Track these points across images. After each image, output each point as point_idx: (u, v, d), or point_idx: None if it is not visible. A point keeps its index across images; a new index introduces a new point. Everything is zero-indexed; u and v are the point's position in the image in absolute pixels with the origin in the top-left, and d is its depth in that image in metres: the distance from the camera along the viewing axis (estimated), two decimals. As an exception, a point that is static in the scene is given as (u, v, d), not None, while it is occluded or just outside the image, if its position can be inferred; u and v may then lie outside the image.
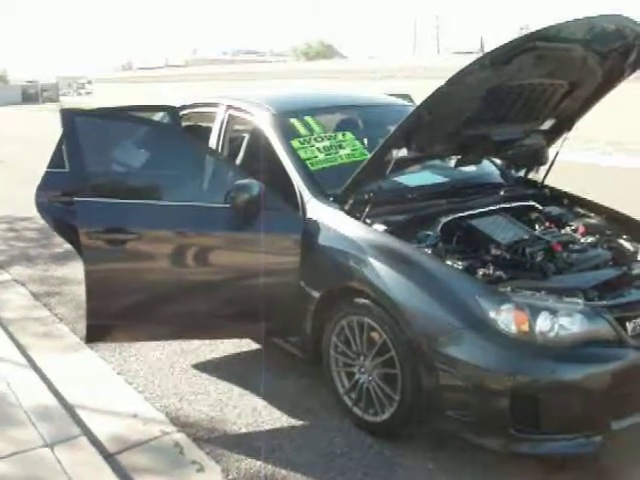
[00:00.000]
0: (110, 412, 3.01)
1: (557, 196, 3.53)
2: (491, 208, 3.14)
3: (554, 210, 3.33)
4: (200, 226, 2.96)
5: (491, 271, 2.56)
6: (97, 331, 3.08)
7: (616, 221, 3.28)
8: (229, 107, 3.66)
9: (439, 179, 3.43)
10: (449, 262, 2.61)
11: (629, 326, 2.44)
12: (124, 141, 3.16)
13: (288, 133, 3.31)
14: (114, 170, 3.21)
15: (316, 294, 2.87)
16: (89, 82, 47.46)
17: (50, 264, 5.32)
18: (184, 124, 4.07)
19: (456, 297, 2.43)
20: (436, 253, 2.67)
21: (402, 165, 2.97)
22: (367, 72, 19.38)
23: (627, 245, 3.02)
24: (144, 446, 2.72)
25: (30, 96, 38.75)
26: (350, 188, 2.88)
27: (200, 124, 4.00)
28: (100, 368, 3.48)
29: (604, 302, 2.43)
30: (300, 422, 2.90)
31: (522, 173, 3.64)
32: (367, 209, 2.82)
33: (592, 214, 3.35)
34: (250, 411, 3.00)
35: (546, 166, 3.52)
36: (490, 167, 3.73)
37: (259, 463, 2.60)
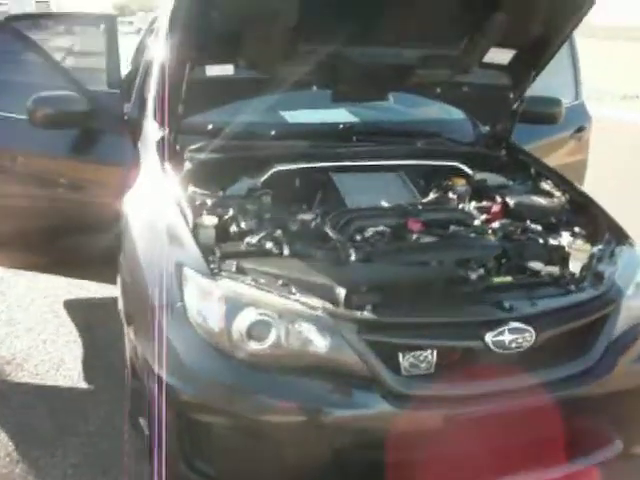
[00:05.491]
0: None
1: (523, 163, 2.44)
2: (385, 163, 2.26)
3: (491, 179, 2.29)
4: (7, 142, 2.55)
5: (256, 241, 1.74)
6: None
7: (583, 210, 2.14)
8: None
9: (345, 119, 2.54)
10: (206, 223, 1.78)
11: (404, 361, 1.50)
12: None
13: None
14: None
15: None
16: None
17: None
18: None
19: (164, 268, 1.70)
20: (226, 208, 1.89)
21: (239, 90, 2.21)
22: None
23: (562, 243, 1.92)
24: None
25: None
26: (170, 111, 2.22)
27: None
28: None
29: (364, 315, 1.50)
30: (86, 382, 2.49)
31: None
32: (173, 138, 2.16)
33: (557, 194, 2.23)
34: (56, 362, 2.63)
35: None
36: (453, 116, 2.71)
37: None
